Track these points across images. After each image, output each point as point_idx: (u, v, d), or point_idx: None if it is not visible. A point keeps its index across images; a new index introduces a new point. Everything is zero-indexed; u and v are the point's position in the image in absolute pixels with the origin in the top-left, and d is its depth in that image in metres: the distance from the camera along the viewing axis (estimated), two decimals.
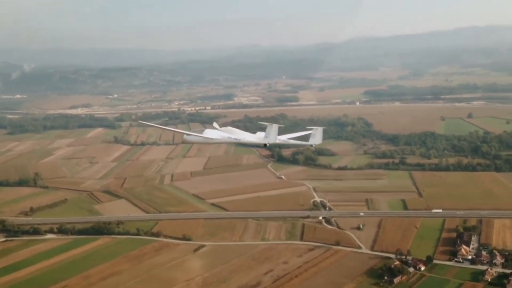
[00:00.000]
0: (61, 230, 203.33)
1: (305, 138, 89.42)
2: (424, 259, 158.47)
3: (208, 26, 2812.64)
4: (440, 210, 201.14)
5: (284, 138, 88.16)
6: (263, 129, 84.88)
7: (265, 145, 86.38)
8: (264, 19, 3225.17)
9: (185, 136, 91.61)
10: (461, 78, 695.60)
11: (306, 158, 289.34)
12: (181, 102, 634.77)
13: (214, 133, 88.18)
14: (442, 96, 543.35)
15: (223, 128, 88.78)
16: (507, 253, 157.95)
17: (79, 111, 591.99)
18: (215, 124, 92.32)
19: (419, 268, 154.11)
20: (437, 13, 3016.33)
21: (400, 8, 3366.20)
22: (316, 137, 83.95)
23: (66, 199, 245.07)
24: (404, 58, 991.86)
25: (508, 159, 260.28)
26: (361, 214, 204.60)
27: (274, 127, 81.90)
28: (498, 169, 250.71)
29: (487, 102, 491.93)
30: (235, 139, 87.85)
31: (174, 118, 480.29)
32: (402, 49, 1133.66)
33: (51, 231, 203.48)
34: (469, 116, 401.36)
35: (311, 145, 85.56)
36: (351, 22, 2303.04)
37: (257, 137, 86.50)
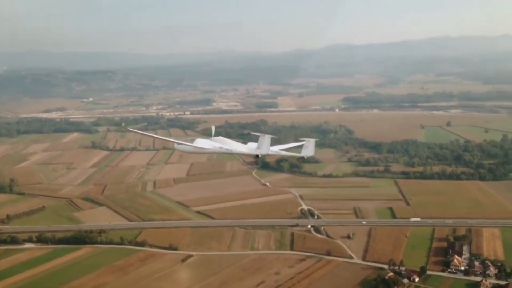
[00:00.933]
0: (41, 239, 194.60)
1: (297, 148, 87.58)
2: (418, 270, 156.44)
3: (185, 31, 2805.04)
4: (418, 219, 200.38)
5: (276, 149, 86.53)
6: (254, 139, 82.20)
7: (257, 156, 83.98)
8: (242, 25, 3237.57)
9: (175, 145, 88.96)
10: (437, 86, 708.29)
11: (291, 165, 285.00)
12: (159, 107, 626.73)
13: (205, 143, 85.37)
14: (419, 104, 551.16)
15: (214, 138, 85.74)
16: (499, 264, 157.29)
17: (53, 115, 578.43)
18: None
19: (413, 280, 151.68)
20: (410, 23, 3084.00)
21: (375, 17, 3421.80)
22: (308, 148, 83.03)
23: (44, 207, 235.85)
24: (380, 66, 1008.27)
25: (491, 168, 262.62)
26: (363, 222, 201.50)
27: (267, 138, 79.85)
28: (482, 178, 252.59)
29: (463, 111, 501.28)
30: (227, 149, 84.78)
31: (153, 123, 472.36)
32: (377, 57, 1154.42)
33: (30, 240, 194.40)
34: (448, 124, 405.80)
35: (303, 157, 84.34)
36: (327, 30, 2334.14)
37: (249, 148, 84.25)
